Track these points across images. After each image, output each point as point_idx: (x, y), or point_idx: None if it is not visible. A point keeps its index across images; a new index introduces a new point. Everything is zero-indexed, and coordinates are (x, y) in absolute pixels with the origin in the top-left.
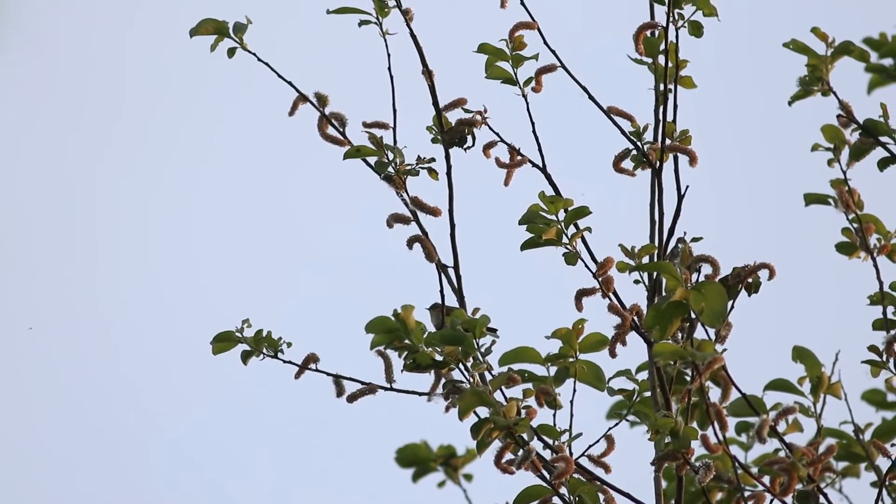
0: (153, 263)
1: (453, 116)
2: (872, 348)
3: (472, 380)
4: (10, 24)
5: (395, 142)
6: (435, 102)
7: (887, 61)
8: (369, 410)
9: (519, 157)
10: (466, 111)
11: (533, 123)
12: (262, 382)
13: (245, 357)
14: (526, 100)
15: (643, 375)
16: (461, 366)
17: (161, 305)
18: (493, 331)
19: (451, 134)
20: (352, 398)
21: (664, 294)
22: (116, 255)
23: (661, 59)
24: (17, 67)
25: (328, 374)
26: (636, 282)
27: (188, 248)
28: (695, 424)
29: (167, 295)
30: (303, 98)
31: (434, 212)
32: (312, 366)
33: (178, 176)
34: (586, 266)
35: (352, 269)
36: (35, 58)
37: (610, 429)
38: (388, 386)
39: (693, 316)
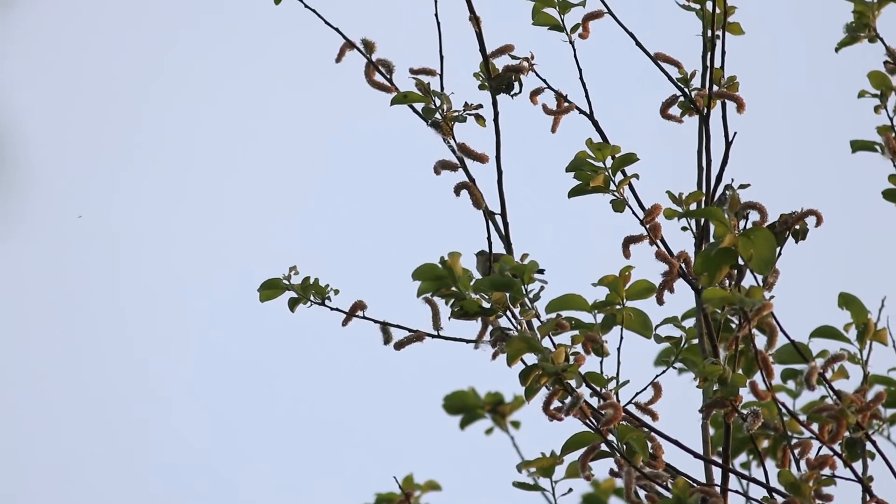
0: (187, 221)
1: (500, 63)
2: None
3: (519, 327)
4: None
5: (441, 88)
6: (482, 49)
7: None
8: (417, 358)
9: (566, 104)
10: (513, 58)
11: (580, 70)
12: (310, 329)
13: (292, 304)
14: (573, 46)
15: (690, 322)
16: (508, 313)
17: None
18: (541, 272)
19: (499, 80)
20: (399, 345)
21: (712, 241)
22: (140, 232)
23: (709, 5)
24: (64, 15)
25: (375, 322)
26: (683, 229)
27: (231, 201)
28: (741, 372)
29: (200, 260)
30: (350, 45)
31: (481, 158)
32: (360, 313)
33: (224, 126)
34: (633, 213)
35: (399, 215)
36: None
37: (657, 376)
38: (436, 333)
39: (741, 263)
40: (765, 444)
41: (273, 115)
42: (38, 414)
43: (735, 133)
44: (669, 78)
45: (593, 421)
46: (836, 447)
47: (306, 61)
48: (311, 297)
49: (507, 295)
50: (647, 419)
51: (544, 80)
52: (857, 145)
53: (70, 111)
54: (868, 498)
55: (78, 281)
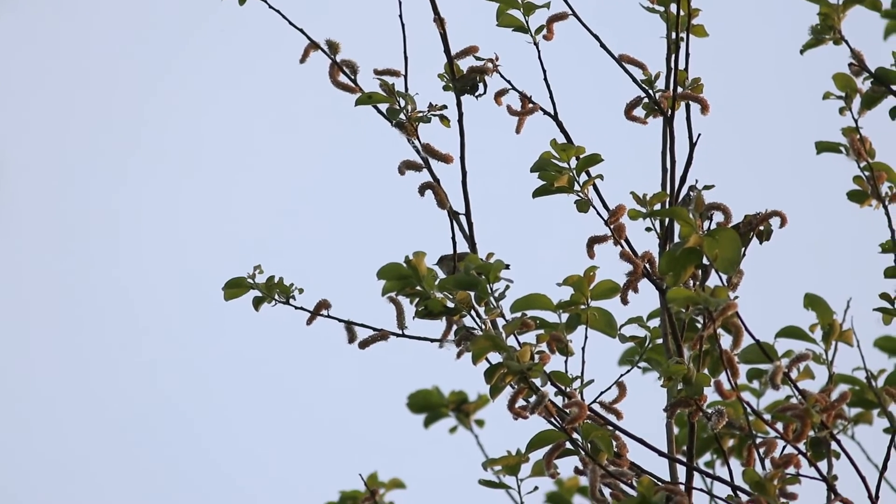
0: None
1: (465, 64)
2: (884, 296)
3: (484, 326)
4: None
5: (406, 89)
6: (446, 50)
7: None
8: (381, 357)
9: (530, 105)
10: (478, 59)
11: (544, 71)
12: (271, 330)
13: (257, 303)
14: (537, 47)
15: (655, 322)
16: (472, 313)
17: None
18: (506, 267)
19: (463, 81)
20: (363, 344)
21: (677, 240)
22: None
23: (673, 7)
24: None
25: (340, 321)
26: (648, 229)
27: (208, 202)
28: (706, 371)
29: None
30: (314, 45)
31: (446, 159)
32: (324, 312)
33: (187, 127)
34: (598, 213)
35: (363, 215)
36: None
37: (622, 375)
38: (400, 332)
39: (706, 263)
40: (730, 442)
41: (234, 113)
42: (40, 412)
43: (699, 134)
44: (634, 79)
45: (558, 419)
46: (801, 446)
47: (268, 62)
48: (276, 296)
49: (472, 294)
50: (611, 418)
51: (509, 81)
52: (822, 147)
53: (73, 107)
54: (833, 497)
55: (80, 275)
